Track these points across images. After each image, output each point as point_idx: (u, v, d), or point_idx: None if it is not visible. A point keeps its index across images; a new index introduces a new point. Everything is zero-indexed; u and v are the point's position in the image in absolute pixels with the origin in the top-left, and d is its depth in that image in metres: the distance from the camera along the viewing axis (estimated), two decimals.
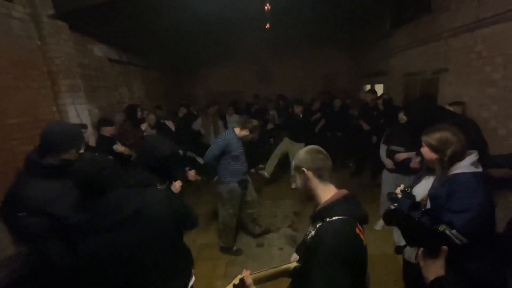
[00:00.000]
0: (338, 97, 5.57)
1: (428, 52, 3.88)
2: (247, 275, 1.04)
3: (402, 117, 3.04)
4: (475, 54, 2.91)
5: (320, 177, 1.13)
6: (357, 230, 1.01)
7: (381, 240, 3.11)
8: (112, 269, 1.15)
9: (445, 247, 0.90)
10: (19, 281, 2.21)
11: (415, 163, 2.58)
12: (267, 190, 4.95)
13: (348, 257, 0.95)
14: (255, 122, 2.96)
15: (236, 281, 1.00)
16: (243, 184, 2.99)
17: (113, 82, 4.50)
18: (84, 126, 2.93)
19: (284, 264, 1.19)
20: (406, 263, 1.86)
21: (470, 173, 1.39)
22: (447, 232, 1.33)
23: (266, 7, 4.74)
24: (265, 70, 8.33)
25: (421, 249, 0.94)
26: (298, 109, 4.81)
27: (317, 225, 1.07)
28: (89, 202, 1.17)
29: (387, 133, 3.21)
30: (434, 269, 0.91)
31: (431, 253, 0.90)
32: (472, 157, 1.42)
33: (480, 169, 1.42)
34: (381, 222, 3.32)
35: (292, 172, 1.25)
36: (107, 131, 3.35)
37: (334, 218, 1.02)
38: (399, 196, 1.51)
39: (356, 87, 7.47)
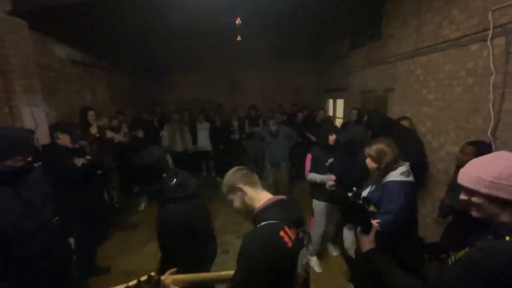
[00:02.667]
0: (301, 111, 5.94)
1: (380, 73, 4.38)
2: (167, 276, 1.05)
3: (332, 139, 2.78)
4: (415, 77, 3.38)
5: (254, 187, 1.19)
6: (282, 233, 1.01)
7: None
8: (184, 233, 1.43)
9: (374, 223, 1.10)
10: None
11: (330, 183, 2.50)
12: None
13: (267, 259, 0.96)
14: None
15: (143, 278, 0.97)
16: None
17: (74, 84, 4.30)
18: (31, 132, 2.74)
19: (226, 272, 1.20)
20: (349, 259, 2.06)
21: (397, 181, 1.64)
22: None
23: (237, 21, 4.96)
24: (236, 80, 8.53)
25: (359, 228, 1.14)
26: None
27: None
28: (164, 184, 1.48)
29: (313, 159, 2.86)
30: (367, 243, 1.12)
31: (364, 229, 1.10)
32: (403, 168, 1.68)
33: (409, 178, 1.68)
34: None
35: (228, 195, 1.23)
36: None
37: (262, 223, 1.05)
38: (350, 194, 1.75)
39: (321, 101, 7.99)
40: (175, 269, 1.16)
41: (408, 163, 1.70)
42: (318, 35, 6.92)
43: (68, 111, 4.00)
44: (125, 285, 0.91)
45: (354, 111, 4.70)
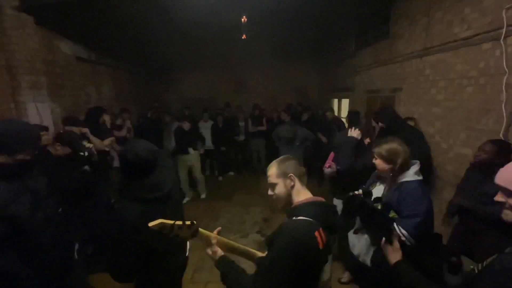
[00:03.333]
0: (307, 111, 5.90)
1: (387, 73, 4.31)
2: (215, 235, 1.11)
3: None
4: (423, 77, 3.32)
5: (302, 181, 1.18)
6: (316, 233, 1.03)
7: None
8: (152, 235, 1.27)
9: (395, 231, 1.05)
10: None
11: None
12: (237, 197, 5.00)
13: (298, 253, 0.98)
14: None
15: (188, 222, 1.05)
16: None
17: (80, 81, 4.30)
18: (45, 128, 2.71)
19: (254, 250, 1.26)
20: (359, 265, 2.00)
21: (416, 181, 1.59)
22: (398, 231, 1.52)
23: (242, 20, 4.93)
24: (239, 79, 8.50)
25: (384, 239, 1.09)
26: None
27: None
28: (137, 181, 1.36)
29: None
30: (394, 254, 1.09)
31: (387, 238, 1.05)
32: (415, 166, 1.63)
33: (421, 177, 1.63)
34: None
35: (273, 179, 1.19)
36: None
37: (299, 217, 1.07)
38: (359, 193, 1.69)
39: (326, 100, 7.93)
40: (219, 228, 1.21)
41: (418, 161, 1.66)
42: (324, 34, 6.86)
43: (73, 107, 4.00)
44: (173, 221, 1.01)
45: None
